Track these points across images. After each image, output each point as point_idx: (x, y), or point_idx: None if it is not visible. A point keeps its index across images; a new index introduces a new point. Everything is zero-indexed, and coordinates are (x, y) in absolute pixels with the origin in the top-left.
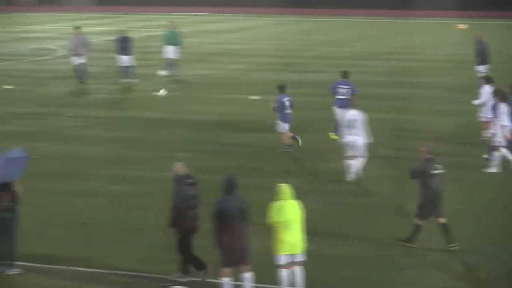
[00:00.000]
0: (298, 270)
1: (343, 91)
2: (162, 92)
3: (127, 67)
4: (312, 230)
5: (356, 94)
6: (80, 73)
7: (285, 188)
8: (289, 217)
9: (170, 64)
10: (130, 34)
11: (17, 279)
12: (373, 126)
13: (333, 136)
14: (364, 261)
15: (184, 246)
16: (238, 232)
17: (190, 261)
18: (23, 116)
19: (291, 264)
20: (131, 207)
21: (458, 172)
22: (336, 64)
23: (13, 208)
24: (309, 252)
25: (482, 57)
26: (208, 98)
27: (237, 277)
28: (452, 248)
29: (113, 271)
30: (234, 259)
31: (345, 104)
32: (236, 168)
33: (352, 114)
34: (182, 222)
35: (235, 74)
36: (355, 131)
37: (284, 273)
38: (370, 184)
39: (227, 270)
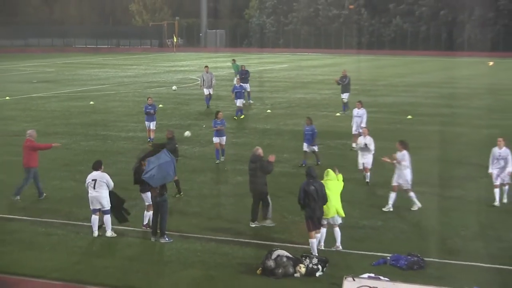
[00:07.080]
0: (324, 232)
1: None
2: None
3: (248, 92)
4: None
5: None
6: (208, 101)
7: (330, 172)
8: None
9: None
10: (249, 68)
11: (167, 246)
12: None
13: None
14: None
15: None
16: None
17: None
18: (172, 126)
19: (326, 225)
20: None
21: None
22: (398, 90)
23: (163, 193)
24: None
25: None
26: (305, 114)
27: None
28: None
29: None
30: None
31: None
32: (323, 166)
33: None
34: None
35: (325, 97)
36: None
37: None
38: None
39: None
